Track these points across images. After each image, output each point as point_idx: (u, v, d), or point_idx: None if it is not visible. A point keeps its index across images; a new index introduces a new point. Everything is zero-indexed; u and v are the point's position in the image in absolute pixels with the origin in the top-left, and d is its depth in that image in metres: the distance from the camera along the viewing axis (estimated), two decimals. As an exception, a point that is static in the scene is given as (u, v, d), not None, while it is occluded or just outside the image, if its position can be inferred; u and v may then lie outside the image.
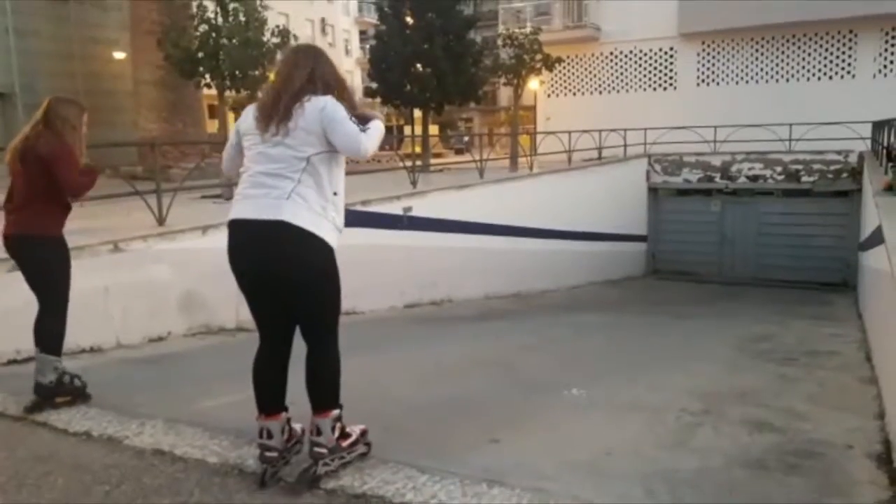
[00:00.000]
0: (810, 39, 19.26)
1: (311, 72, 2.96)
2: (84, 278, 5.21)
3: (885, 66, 18.61)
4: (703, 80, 20.71)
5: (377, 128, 3.07)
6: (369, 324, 8.37)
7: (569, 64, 22.02)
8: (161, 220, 7.07)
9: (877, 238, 6.74)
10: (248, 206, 2.97)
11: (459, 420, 4.26)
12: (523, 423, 4.23)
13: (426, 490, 3.04)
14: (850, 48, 18.96)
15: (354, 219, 8.82)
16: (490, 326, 8.81)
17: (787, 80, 19.59)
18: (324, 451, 3.12)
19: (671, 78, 21.18)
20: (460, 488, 3.05)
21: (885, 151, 9.81)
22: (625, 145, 16.74)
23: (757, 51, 19.89)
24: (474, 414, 4.41)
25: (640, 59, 21.50)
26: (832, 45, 19.11)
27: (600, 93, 22.08)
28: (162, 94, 15.77)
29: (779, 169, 16.36)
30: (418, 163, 11.90)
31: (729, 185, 16.85)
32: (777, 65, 19.71)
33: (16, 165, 4.01)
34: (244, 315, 7.12)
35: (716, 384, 5.48)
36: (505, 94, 36.83)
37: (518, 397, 4.92)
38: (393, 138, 32.19)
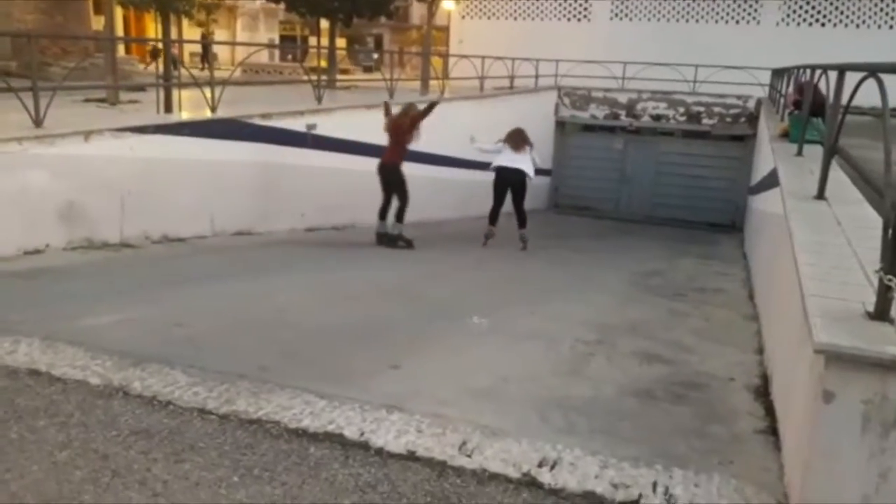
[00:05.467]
0: (721, -18, 19.65)
1: (528, 140, 9.46)
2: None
3: (787, 16, 19.28)
4: (616, 15, 20.78)
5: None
6: (267, 246, 8.11)
7: (485, -16, 21.56)
8: (38, 122, 6.44)
9: (768, 182, 7.05)
10: (510, 161, 9.19)
11: (360, 346, 4.21)
12: (424, 350, 4.23)
13: (324, 416, 2.98)
14: (756, -5, 19.49)
15: (252, 134, 8.42)
16: (394, 254, 8.74)
17: (697, 21, 19.97)
18: (526, 240, 9.57)
19: (586, 10, 21.12)
20: (360, 414, 3.02)
21: (781, 99, 10.21)
22: (536, 76, 16.65)
23: (670, -12, 20.12)
24: (376, 340, 4.37)
25: (557, -14, 21.29)
26: (740, -9, 19.58)
27: (515, 18, 21.78)
28: (39, -18, 14.27)
29: (681, 110, 16.79)
30: (324, 78, 11.41)
31: (633, 124, 17.17)
32: (688, 5, 20.02)
33: (392, 134, 8.60)
34: (130, 231, 6.80)
35: (610, 316, 5.67)
36: (417, 12, 35.77)
37: (420, 325, 4.92)
38: (297, 48, 30.79)
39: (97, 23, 17.90)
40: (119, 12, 21.59)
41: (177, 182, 7.45)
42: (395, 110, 8.99)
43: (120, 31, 25.41)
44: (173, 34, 20.35)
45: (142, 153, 7.04)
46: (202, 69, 18.73)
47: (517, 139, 9.32)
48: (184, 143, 7.57)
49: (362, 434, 2.85)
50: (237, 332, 4.34)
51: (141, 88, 11.91)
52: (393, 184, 8.47)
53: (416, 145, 8.72)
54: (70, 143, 6.42)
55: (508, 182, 9.33)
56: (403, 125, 8.48)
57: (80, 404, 3.00)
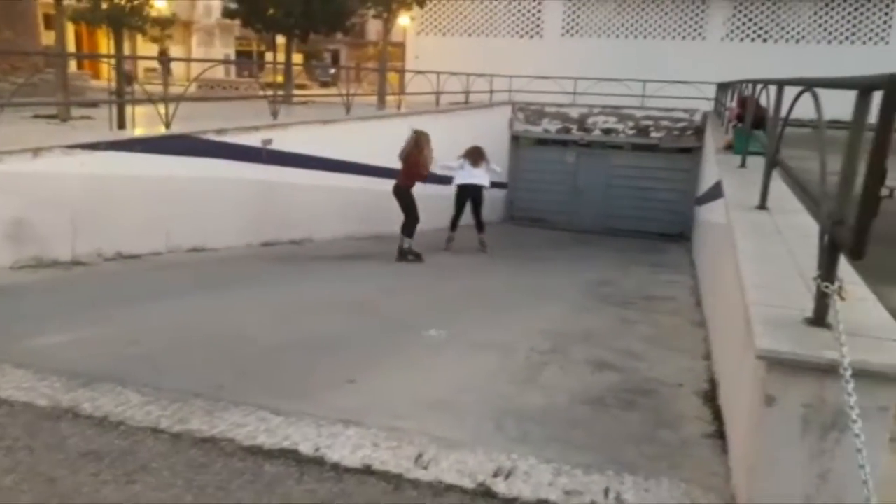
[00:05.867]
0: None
1: (485, 156, 10.77)
2: None
3: (732, 31, 19.94)
4: (567, 32, 21.18)
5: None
6: (223, 262, 8.02)
7: (440, 2, 21.76)
8: (-17, 139, 6.30)
9: (713, 193, 7.25)
10: (470, 178, 10.53)
11: (317, 361, 4.20)
12: (381, 364, 4.24)
13: (279, 432, 2.97)
14: (702, 11, 20.11)
15: (207, 149, 8.34)
16: (352, 267, 8.73)
17: (645, 37, 20.49)
18: (485, 244, 10.77)
19: (538, 26, 21.49)
20: (315, 429, 3.02)
21: (726, 112, 10.51)
22: (490, 91, 16.85)
23: (619, 6, 20.60)
24: (333, 355, 4.36)
25: (509, 4, 21.62)
26: (687, 7, 20.17)
27: (469, 35, 22.04)
28: (-15, -3, 13.90)
29: (631, 124, 17.16)
30: (280, 93, 11.37)
31: (584, 137, 17.48)
32: (636, 22, 20.55)
33: (404, 162, 9.42)
34: (82, 248, 6.67)
35: (563, 325, 5.76)
36: (374, 28, 35.90)
37: (377, 338, 4.92)
38: (253, 64, 30.57)
39: (48, 38, 17.51)
40: (70, 28, 21.18)
41: (130, 199, 7.34)
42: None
43: (72, 47, 24.93)
44: (127, 50, 20.05)
45: (94, 170, 6.92)
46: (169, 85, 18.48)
47: (475, 156, 10.66)
48: (137, 160, 7.46)
49: (318, 449, 2.85)
50: (192, 349, 4.29)
51: (93, 104, 11.70)
52: (404, 203, 9.43)
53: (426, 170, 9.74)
54: (18, 160, 6.28)
55: (469, 194, 10.66)
56: (413, 153, 9.43)
57: (26, 427, 2.94)
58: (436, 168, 10.17)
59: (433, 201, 10.68)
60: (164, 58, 24.51)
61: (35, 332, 4.28)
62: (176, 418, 3.05)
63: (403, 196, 9.43)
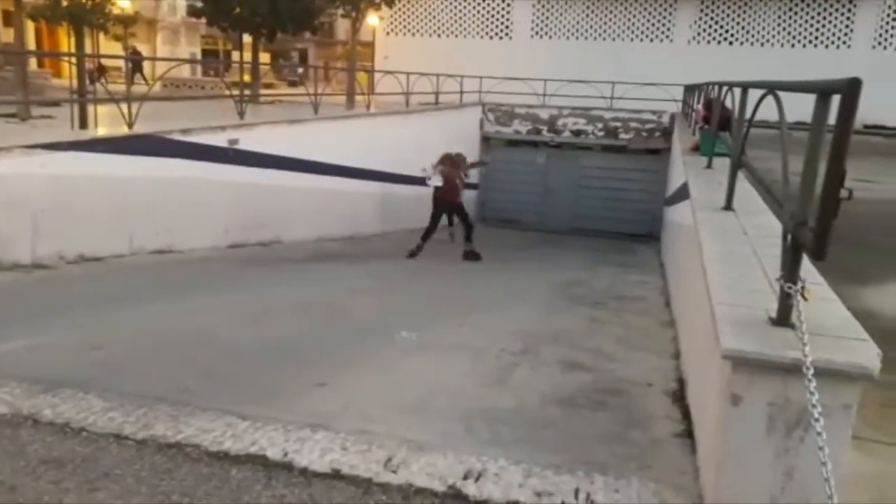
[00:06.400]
0: (636, 1, 20.41)
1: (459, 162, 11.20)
2: None
3: (698, 34, 20.22)
4: (536, 33, 21.29)
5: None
6: (189, 264, 7.91)
7: (409, 2, 21.72)
8: (-61, 139, 6.13)
9: (681, 194, 7.34)
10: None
11: (286, 365, 4.15)
12: (352, 367, 4.21)
13: (246, 437, 2.93)
14: (670, 14, 20.35)
15: (171, 149, 8.22)
16: (321, 269, 8.66)
17: (613, 39, 20.68)
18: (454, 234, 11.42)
19: (507, 28, 21.56)
20: (283, 434, 2.98)
21: (693, 114, 10.65)
22: (461, 92, 16.86)
23: (588, 8, 20.77)
24: (302, 358, 4.32)
25: (478, 5, 21.66)
26: (655, 10, 20.40)
27: (438, 36, 22.03)
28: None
29: (600, 125, 17.30)
30: (247, 92, 11.24)
31: (555, 139, 17.59)
32: (605, 24, 20.74)
33: (447, 177, 10.78)
34: (43, 251, 6.52)
35: (534, 326, 5.77)
36: (343, 27, 35.72)
37: (348, 341, 4.89)
38: (220, 63, 30.21)
39: (6, 35, 17.12)
40: (30, 25, 20.71)
41: (93, 200, 7.20)
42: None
43: (31, 45, 24.38)
44: (88, 48, 19.62)
45: (55, 170, 6.77)
46: (133, 84, 18.20)
47: (451, 163, 11.37)
48: (100, 160, 7.32)
49: (286, 454, 2.81)
50: (157, 354, 4.22)
51: (54, 103, 11.47)
52: (460, 214, 11.04)
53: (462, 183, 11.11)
54: (-26, 161, 6.12)
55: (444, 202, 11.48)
56: (448, 173, 10.86)
57: (-15, 435, 2.86)
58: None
59: (410, 202, 10.67)
60: (131, 56, 24.14)
61: (-6, 337, 4.17)
62: (140, 424, 3.00)
63: (453, 207, 10.92)
